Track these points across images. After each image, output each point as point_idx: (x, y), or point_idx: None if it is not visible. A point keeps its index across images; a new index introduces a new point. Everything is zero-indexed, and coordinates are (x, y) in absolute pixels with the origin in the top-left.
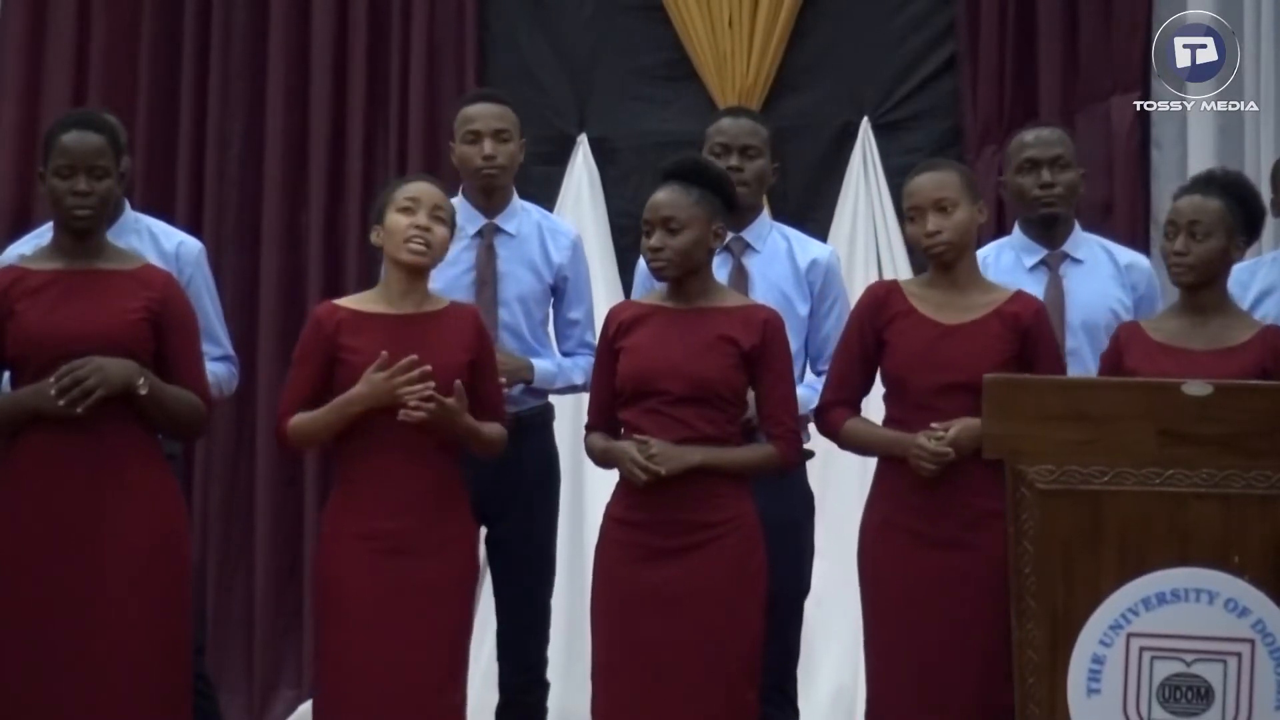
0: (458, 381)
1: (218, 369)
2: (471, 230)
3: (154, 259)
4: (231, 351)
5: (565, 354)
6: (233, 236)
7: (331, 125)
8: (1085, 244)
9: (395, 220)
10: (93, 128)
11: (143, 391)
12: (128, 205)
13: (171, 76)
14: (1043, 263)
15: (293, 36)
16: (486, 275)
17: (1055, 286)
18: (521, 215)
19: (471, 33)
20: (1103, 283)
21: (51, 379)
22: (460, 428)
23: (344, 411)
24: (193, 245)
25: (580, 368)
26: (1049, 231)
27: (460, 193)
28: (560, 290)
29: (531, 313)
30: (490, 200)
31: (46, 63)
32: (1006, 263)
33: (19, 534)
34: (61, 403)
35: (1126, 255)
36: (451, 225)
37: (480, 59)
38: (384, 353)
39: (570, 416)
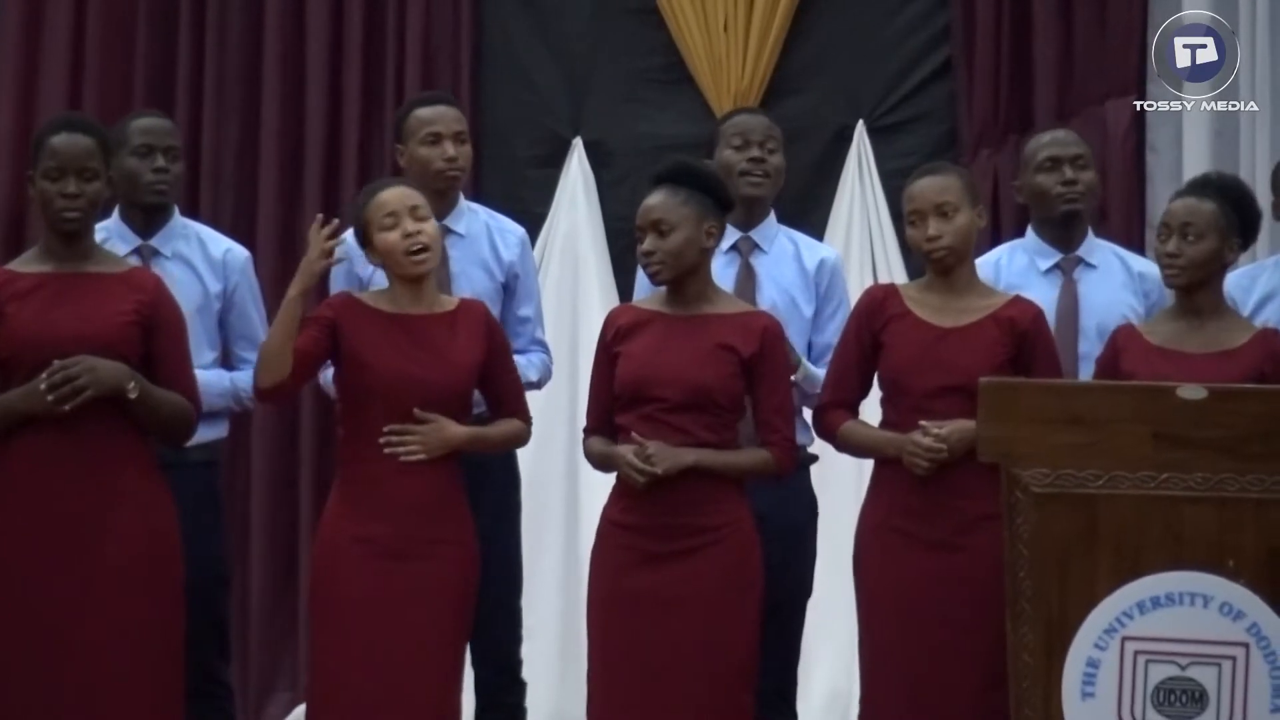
0: (416, 409)
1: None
2: None
3: (201, 265)
4: None
5: (517, 352)
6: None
7: (327, 128)
8: (1099, 249)
9: (385, 239)
10: (81, 130)
11: (133, 395)
12: (176, 210)
13: (167, 80)
14: (1057, 266)
15: (288, 39)
16: (440, 276)
17: (1070, 290)
18: (469, 215)
19: (467, 36)
20: (1116, 289)
21: (43, 375)
22: (456, 443)
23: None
24: (239, 252)
25: (534, 365)
26: (1067, 233)
27: None
28: (511, 288)
29: None
30: (442, 201)
31: (41, 66)
32: (1019, 266)
33: (9, 536)
34: (50, 398)
35: (1140, 263)
36: (431, 214)
37: (475, 62)
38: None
39: (568, 420)
